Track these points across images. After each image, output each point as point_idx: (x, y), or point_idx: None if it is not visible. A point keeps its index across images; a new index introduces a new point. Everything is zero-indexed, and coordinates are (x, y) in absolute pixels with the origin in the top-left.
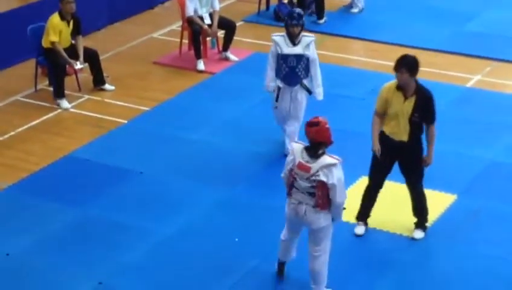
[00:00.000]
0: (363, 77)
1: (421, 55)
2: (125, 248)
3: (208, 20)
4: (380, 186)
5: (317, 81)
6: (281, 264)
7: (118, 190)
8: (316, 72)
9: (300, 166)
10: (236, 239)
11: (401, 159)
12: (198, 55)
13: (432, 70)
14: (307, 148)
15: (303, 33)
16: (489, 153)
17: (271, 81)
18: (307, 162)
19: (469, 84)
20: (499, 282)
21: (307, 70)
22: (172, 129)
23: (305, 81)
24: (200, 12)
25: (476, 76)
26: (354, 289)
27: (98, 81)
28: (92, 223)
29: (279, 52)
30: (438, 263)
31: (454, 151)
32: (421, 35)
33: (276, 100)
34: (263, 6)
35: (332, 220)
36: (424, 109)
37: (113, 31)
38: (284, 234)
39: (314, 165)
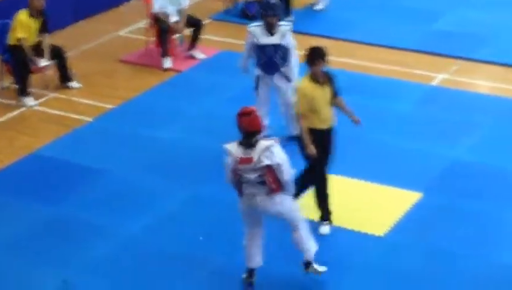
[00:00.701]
0: None
1: (388, 54)
2: (92, 246)
3: (174, 18)
4: (327, 181)
5: (290, 66)
6: (249, 272)
7: (84, 188)
8: (291, 58)
9: (242, 160)
10: (201, 238)
11: (328, 145)
12: (165, 53)
13: (399, 69)
14: (241, 143)
15: (280, 23)
16: (454, 151)
17: (245, 61)
18: (247, 154)
19: (436, 83)
20: (464, 279)
21: (285, 58)
22: (138, 127)
23: (283, 69)
24: (167, 10)
25: (443, 74)
26: (319, 288)
27: (64, 78)
28: (58, 221)
29: (256, 43)
30: (404, 260)
31: (419, 149)
32: (388, 33)
33: (256, 88)
34: (230, 4)
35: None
36: (335, 87)
37: (79, 29)
38: (245, 237)
39: (255, 154)
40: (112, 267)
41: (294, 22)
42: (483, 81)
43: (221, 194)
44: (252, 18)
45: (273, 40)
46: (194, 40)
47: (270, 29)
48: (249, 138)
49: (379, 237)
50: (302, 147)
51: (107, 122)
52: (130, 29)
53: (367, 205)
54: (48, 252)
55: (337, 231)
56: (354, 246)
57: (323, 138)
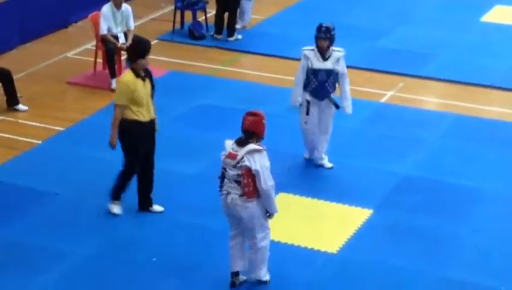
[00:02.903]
0: (278, 94)
1: None
2: (41, 270)
3: (122, 40)
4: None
5: (346, 95)
6: (233, 275)
7: (33, 211)
8: (345, 86)
9: (229, 155)
10: (154, 259)
11: (151, 137)
12: (112, 74)
13: None
14: (237, 140)
15: (333, 48)
16: (403, 167)
17: (298, 95)
18: (235, 151)
19: (383, 100)
20: None
21: (335, 84)
22: (87, 149)
23: (332, 96)
24: (114, 31)
25: (390, 92)
26: None
27: (12, 101)
28: (6, 245)
29: (310, 67)
30: (356, 276)
31: (369, 166)
32: None
33: (307, 113)
34: (178, 25)
35: (267, 212)
36: (153, 83)
37: (26, 50)
38: (230, 237)
39: (240, 152)
40: None
41: (242, 40)
42: (429, 98)
43: (172, 215)
44: (198, 38)
45: (327, 65)
46: None
47: (323, 53)
48: (245, 137)
49: (332, 254)
50: (124, 138)
51: (56, 144)
52: (77, 51)
53: (318, 222)
54: (1, 276)
55: (289, 248)
56: (307, 262)
57: (144, 130)
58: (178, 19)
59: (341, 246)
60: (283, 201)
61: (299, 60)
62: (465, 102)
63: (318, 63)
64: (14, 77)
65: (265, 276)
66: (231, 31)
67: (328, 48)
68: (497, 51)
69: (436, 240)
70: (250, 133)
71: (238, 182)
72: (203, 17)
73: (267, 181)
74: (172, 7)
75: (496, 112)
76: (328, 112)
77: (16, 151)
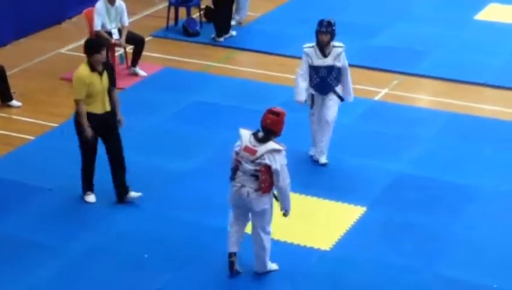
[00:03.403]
0: (272, 91)
1: None
2: (34, 266)
3: (116, 36)
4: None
5: (348, 89)
6: (230, 255)
7: (26, 207)
8: (347, 80)
9: (246, 149)
10: (146, 255)
11: (106, 129)
12: None
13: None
14: (254, 134)
15: (333, 43)
16: (397, 165)
17: (301, 93)
18: (254, 146)
19: (377, 98)
20: None
21: (339, 78)
22: None
23: (337, 89)
24: (108, 28)
25: (384, 89)
26: None
27: (5, 97)
28: (2, 241)
29: (310, 64)
30: (349, 273)
31: (363, 164)
32: None
33: (311, 107)
34: (172, 21)
35: (282, 209)
36: (113, 75)
37: (19, 46)
38: (230, 224)
39: (261, 149)
40: (60, 287)
41: (236, 37)
42: (423, 95)
43: (165, 211)
44: (192, 35)
45: (327, 61)
46: (136, 57)
47: (323, 49)
48: (264, 134)
49: (325, 251)
50: (79, 131)
51: (49, 140)
52: (71, 47)
53: (312, 219)
54: None
55: (283, 245)
56: (300, 259)
57: (97, 122)
58: (172, 15)
59: (334, 243)
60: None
61: (294, 57)
62: (459, 100)
63: (318, 60)
64: (8, 73)
65: (273, 265)
66: (227, 28)
67: (329, 42)
68: (491, 49)
69: (430, 237)
70: (269, 131)
71: (254, 177)
72: (197, 14)
73: (285, 179)
74: (167, 3)
75: (489, 110)
76: (330, 104)
77: (9, 147)
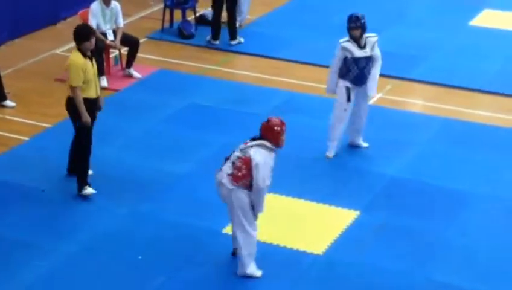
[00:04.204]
0: (266, 95)
1: (323, 73)
2: (26, 266)
3: (111, 37)
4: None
5: (373, 76)
6: (235, 250)
7: (19, 207)
8: (375, 69)
9: (244, 143)
10: (140, 257)
11: (94, 114)
12: (101, 72)
13: None
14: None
15: (365, 34)
16: (390, 169)
17: (335, 85)
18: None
19: (371, 102)
20: None
21: (371, 69)
22: None
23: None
24: (103, 29)
25: (378, 94)
26: None
27: None
28: None
29: (351, 56)
30: (342, 277)
31: (356, 168)
32: (322, 52)
33: (349, 100)
34: (167, 24)
35: (253, 208)
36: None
37: (14, 46)
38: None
39: (252, 142)
40: (49, 288)
41: (243, 43)
42: (417, 100)
43: (159, 213)
44: (187, 37)
45: (367, 52)
46: (131, 58)
47: (359, 42)
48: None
49: (318, 255)
50: (76, 118)
51: (43, 141)
52: (66, 48)
53: (305, 223)
54: None
55: (276, 248)
56: (293, 263)
57: (93, 106)
58: (167, 17)
59: (327, 247)
60: (270, 201)
61: (289, 60)
62: (452, 105)
63: (358, 52)
64: (2, 73)
65: (256, 272)
66: (233, 33)
67: (361, 35)
68: (485, 55)
69: (423, 242)
70: (263, 137)
71: (233, 163)
72: (193, 16)
73: (265, 179)
74: (162, 5)
75: (483, 115)
76: (365, 96)
77: (2, 147)
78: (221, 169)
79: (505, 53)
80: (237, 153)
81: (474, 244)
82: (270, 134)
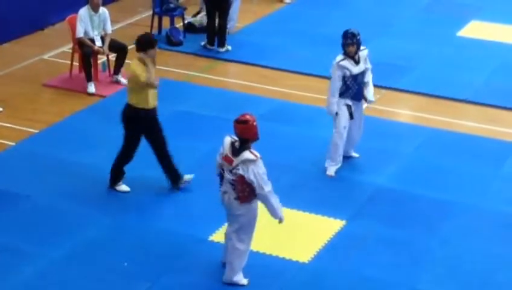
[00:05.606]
0: (253, 102)
1: (310, 82)
2: (10, 272)
3: (99, 43)
4: None
5: (368, 83)
6: (224, 264)
7: (4, 213)
8: (370, 76)
9: (226, 158)
10: (125, 264)
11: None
12: (88, 78)
13: (320, 97)
14: (233, 143)
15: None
16: (377, 179)
17: (335, 106)
18: (232, 155)
19: None
20: None
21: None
22: (62, 152)
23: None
24: (91, 35)
25: (365, 104)
26: None
27: None
28: None
29: (349, 74)
30: (327, 286)
31: (342, 177)
32: (309, 61)
33: (352, 117)
34: (155, 30)
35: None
36: None
37: (1, 51)
38: (226, 232)
39: (236, 159)
40: None
41: (231, 50)
42: (404, 110)
43: (145, 220)
44: (176, 44)
45: (361, 67)
46: (119, 65)
47: (354, 58)
48: (240, 143)
49: (303, 264)
50: (130, 126)
51: (30, 146)
52: (54, 53)
53: (291, 232)
54: None
55: (261, 256)
56: (278, 272)
57: (151, 117)
58: (156, 24)
59: (313, 256)
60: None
61: (275, 68)
62: (439, 116)
63: (355, 68)
64: None
65: (243, 280)
66: (221, 40)
67: (356, 52)
68: (472, 66)
69: (407, 251)
70: (243, 139)
71: (232, 185)
72: (181, 23)
73: (263, 187)
74: (150, 12)
75: (469, 126)
76: (361, 109)
77: None
78: (225, 192)
79: (491, 64)
80: (230, 176)
81: (458, 254)
82: (249, 133)
